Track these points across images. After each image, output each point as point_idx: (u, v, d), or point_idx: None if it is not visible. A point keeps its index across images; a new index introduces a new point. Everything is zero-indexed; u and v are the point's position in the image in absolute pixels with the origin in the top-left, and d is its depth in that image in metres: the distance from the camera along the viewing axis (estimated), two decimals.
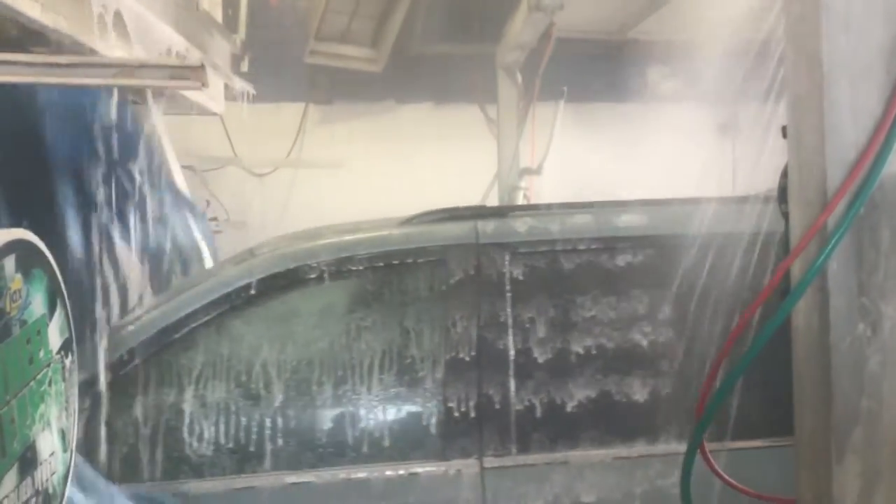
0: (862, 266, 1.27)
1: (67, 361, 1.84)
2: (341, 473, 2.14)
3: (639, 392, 2.20)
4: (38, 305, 1.62)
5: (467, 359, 2.18)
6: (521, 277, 2.25)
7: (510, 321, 2.21)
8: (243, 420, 2.15)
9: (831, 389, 1.27)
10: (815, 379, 1.30)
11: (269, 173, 5.81)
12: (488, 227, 2.34)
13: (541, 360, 2.20)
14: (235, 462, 2.15)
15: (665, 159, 6.06)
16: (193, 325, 2.20)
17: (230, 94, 4.48)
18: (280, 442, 2.15)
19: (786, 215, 1.39)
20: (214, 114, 4.64)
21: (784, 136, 1.42)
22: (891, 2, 1.24)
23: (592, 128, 5.89)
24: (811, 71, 1.29)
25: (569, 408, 2.18)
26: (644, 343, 2.23)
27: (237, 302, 2.23)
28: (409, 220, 2.47)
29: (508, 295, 2.23)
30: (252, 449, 2.15)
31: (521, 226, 2.35)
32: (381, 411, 2.18)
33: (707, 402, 1.35)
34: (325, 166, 5.74)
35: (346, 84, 5.80)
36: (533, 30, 4.16)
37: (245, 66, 4.43)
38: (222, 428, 2.15)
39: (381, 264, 2.27)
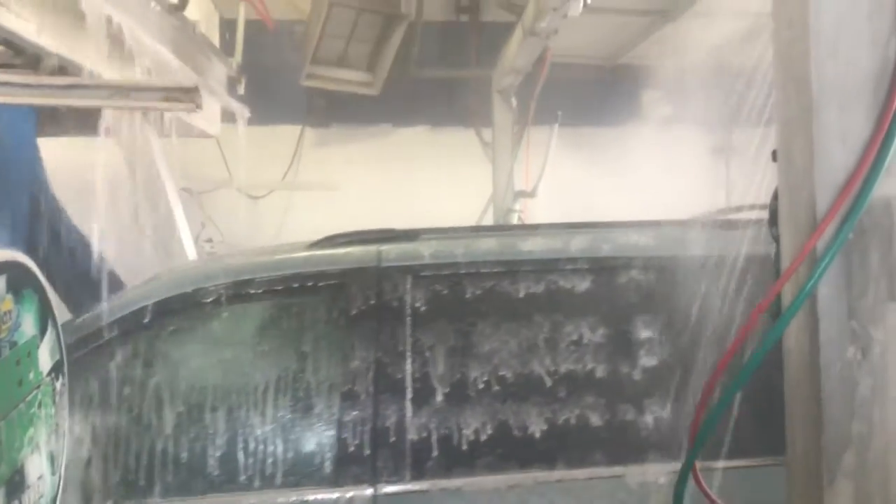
0: (852, 290, 1.28)
1: (58, 384, 1.83)
2: (232, 500, 2.08)
3: (535, 420, 2.16)
4: (28, 327, 1.62)
5: (364, 385, 2.14)
6: (422, 302, 2.21)
7: (409, 347, 2.16)
8: (133, 446, 2.09)
9: (822, 413, 1.27)
10: (806, 402, 1.29)
11: (265, 195, 5.82)
12: (392, 250, 2.30)
13: (438, 386, 2.15)
14: (123, 489, 2.09)
15: (658, 182, 6.09)
16: (90, 347, 2.15)
17: (226, 117, 4.50)
18: (170, 468, 2.09)
19: (776, 238, 1.39)
20: (211, 136, 4.65)
21: (774, 159, 1.43)
22: (877, 28, 1.25)
23: (586, 151, 5.92)
24: (800, 95, 1.30)
25: (465, 435, 2.13)
26: (542, 371, 2.20)
27: (133, 325, 2.18)
28: (317, 244, 2.43)
29: (408, 320, 2.18)
30: (141, 475, 2.09)
31: (425, 249, 2.30)
32: (274, 438, 2.12)
33: (700, 426, 1.34)
34: (320, 189, 5.75)
35: (343, 107, 5.83)
36: (528, 54, 4.19)
37: (241, 89, 4.45)
38: (111, 454, 2.09)
39: (281, 288, 2.22)
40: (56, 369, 1.76)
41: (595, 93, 5.88)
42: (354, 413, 2.12)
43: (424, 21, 5.78)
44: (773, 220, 1.42)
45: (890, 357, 1.27)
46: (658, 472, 2.10)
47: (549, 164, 4.50)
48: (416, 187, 5.96)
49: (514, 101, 5.09)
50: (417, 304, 2.21)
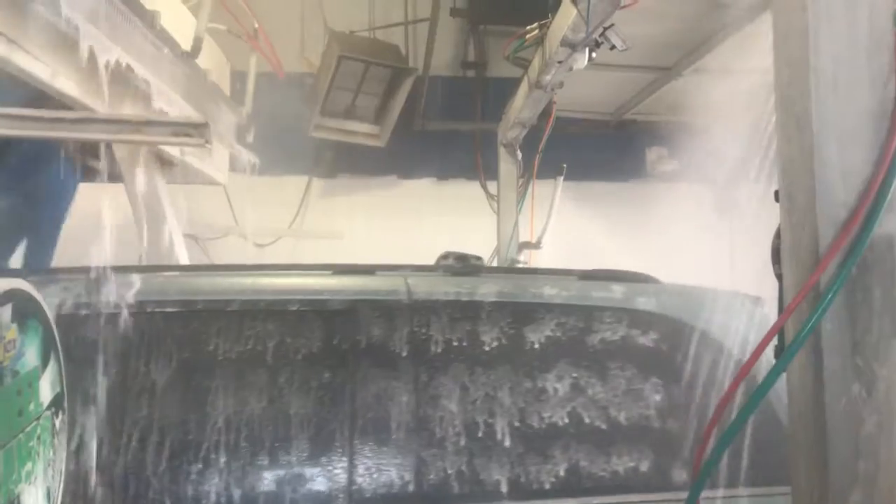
0: (855, 326, 1.27)
1: (58, 420, 1.82)
2: None
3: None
4: (31, 357, 1.61)
5: None
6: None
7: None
8: None
9: (827, 451, 1.26)
10: (811, 440, 1.28)
11: (271, 243, 5.85)
12: None
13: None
14: None
15: (662, 237, 6.11)
16: None
17: (234, 166, 4.55)
18: None
19: (779, 276, 1.39)
20: (218, 184, 4.70)
21: (777, 199, 1.44)
22: (875, 66, 1.28)
23: (590, 205, 5.96)
24: (801, 133, 1.31)
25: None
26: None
27: None
28: None
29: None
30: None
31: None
32: None
33: (702, 462, 1.33)
34: (325, 237, 5.78)
35: (350, 158, 5.90)
36: (533, 107, 4.24)
37: (250, 138, 4.51)
38: None
39: None
40: (56, 402, 1.75)
41: (599, 147, 5.94)
42: None
43: (431, 75, 5.88)
44: (776, 257, 1.42)
45: (895, 394, 1.26)
46: None
47: (553, 216, 4.52)
48: (421, 238, 5.97)
49: (519, 155, 5.13)
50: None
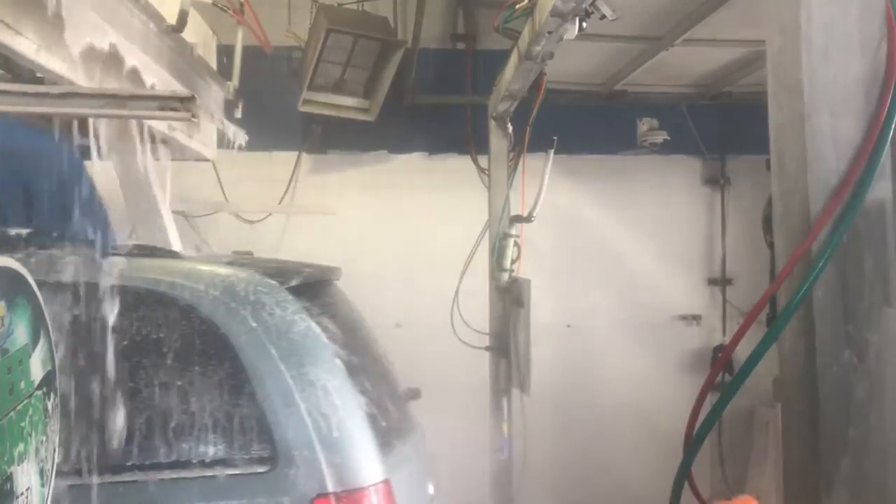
0: (847, 294, 1.28)
1: (50, 400, 1.81)
2: None
3: None
4: (20, 335, 1.60)
5: None
6: None
7: None
8: None
9: (818, 418, 1.26)
10: (802, 407, 1.29)
11: (261, 220, 5.82)
12: None
13: None
14: None
15: (653, 209, 6.12)
16: None
17: (223, 142, 4.51)
18: None
19: (770, 245, 1.39)
20: (207, 160, 4.66)
21: (768, 168, 1.43)
22: (867, 32, 1.27)
23: (581, 177, 5.95)
24: (793, 101, 1.31)
25: None
26: None
27: None
28: None
29: None
30: None
31: None
32: None
33: (695, 433, 1.33)
34: (316, 213, 5.75)
35: (339, 134, 5.85)
36: (523, 79, 4.21)
37: (239, 114, 4.46)
38: None
39: None
40: (47, 380, 1.74)
41: (590, 119, 5.92)
42: None
43: (421, 48, 5.83)
44: (767, 227, 1.42)
45: (886, 361, 1.26)
46: None
47: (544, 189, 4.51)
48: (412, 213, 5.97)
49: (510, 128, 5.11)
50: None
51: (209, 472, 2.39)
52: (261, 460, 2.42)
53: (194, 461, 2.36)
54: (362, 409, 2.58)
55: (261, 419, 2.43)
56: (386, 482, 2.50)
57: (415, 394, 3.54)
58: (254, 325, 2.49)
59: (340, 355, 2.67)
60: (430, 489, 3.11)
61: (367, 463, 2.49)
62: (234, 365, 2.46)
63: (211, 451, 2.40)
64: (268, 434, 2.43)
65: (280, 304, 2.58)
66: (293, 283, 2.74)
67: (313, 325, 2.62)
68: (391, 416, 2.94)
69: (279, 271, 2.80)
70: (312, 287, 2.98)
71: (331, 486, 2.40)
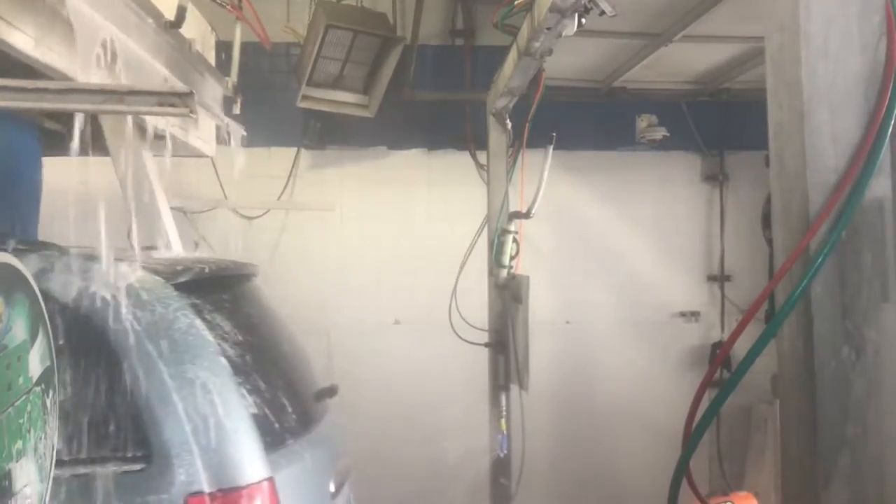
0: (845, 290, 1.28)
1: (48, 397, 1.81)
2: None
3: None
4: (19, 331, 1.60)
5: None
6: None
7: None
8: None
9: (816, 414, 1.27)
10: (801, 404, 1.29)
11: (260, 216, 5.82)
12: None
13: None
14: None
15: (652, 205, 6.12)
16: None
17: (221, 138, 4.50)
18: None
19: (769, 241, 1.39)
20: (206, 156, 4.65)
21: (767, 164, 1.43)
22: (866, 31, 1.27)
23: (580, 174, 5.95)
24: (792, 98, 1.31)
25: None
26: None
27: None
28: None
29: None
30: None
31: None
32: None
33: (693, 429, 1.33)
34: (315, 209, 5.75)
35: (338, 130, 5.85)
36: (522, 75, 4.21)
37: (237, 110, 4.45)
38: None
39: None
40: (46, 376, 1.74)
41: (589, 115, 5.92)
42: None
43: (420, 44, 5.82)
44: (766, 223, 1.42)
45: (884, 357, 1.26)
46: None
47: (543, 185, 4.50)
48: (411, 208, 5.97)
49: (508, 124, 5.10)
50: None
51: (82, 470, 2.35)
52: (135, 459, 2.40)
53: (66, 459, 2.30)
54: (247, 408, 2.56)
55: (136, 417, 2.40)
56: (269, 481, 2.48)
57: (331, 392, 3.48)
58: (131, 321, 2.45)
59: (229, 353, 2.64)
60: (332, 487, 3.06)
61: (247, 462, 2.47)
62: (109, 362, 2.42)
63: (85, 449, 2.37)
64: (143, 433, 2.40)
65: (161, 300, 2.55)
66: (181, 279, 2.69)
67: (198, 322, 2.58)
68: (287, 416, 2.90)
69: (168, 267, 2.75)
70: (210, 284, 2.92)
71: (206, 485, 2.38)
